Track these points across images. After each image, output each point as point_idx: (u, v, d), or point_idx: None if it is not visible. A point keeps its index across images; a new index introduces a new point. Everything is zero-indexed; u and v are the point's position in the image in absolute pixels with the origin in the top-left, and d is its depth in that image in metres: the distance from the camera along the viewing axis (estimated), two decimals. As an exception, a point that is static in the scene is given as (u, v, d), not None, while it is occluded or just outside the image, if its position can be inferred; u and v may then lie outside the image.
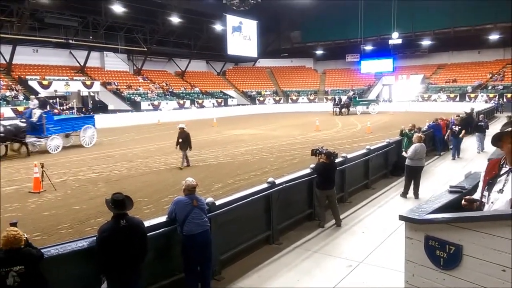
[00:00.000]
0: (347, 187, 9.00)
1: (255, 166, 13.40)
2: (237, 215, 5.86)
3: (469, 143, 15.91)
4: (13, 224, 3.46)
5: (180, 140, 13.53)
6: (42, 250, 3.68)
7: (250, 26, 46.76)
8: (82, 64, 37.80)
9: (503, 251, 2.45)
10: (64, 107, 34.06)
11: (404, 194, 9.22)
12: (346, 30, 45.18)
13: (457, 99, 41.01)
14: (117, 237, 3.83)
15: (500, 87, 39.85)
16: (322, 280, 5.26)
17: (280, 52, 54.92)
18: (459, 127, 14.09)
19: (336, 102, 37.96)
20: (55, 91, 33.99)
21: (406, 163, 9.30)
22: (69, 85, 34.62)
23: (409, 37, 44.06)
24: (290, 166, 12.90)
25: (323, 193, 7.34)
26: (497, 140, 2.90)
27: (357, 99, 40.23)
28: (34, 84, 32.52)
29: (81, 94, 37.69)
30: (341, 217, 7.52)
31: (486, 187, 2.94)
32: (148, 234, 4.26)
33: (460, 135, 14.00)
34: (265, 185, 6.55)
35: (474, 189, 3.57)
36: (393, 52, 44.41)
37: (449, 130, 14.58)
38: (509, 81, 40.32)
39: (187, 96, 43.57)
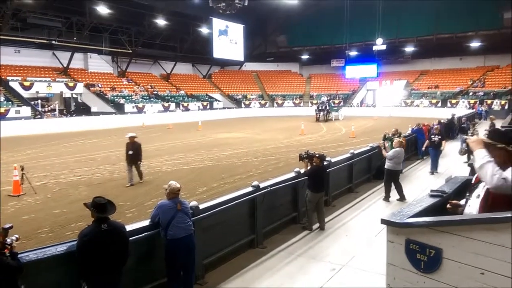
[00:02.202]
0: (331, 191, 9.06)
1: (240, 169, 13.38)
2: (221, 219, 5.83)
3: (450, 148, 16.13)
4: (7, 229, 3.30)
5: (131, 152, 11.23)
6: (21, 255, 3.57)
7: (237, 30, 46.85)
8: (65, 65, 37.24)
9: (482, 254, 2.50)
10: (46, 109, 33.55)
11: (387, 198, 9.34)
12: (332, 35, 45.75)
13: (439, 104, 41.81)
14: (98, 242, 3.76)
15: (481, 93, 40.78)
16: (305, 284, 5.27)
17: (266, 56, 55.17)
18: (439, 137, 12.49)
19: (322, 107, 37.22)
20: (37, 92, 33.45)
21: (385, 166, 9.46)
22: (51, 87, 34.08)
23: (393, 44, 44.82)
24: (275, 170, 12.92)
25: (316, 196, 7.36)
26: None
27: (332, 104, 40.23)
28: (15, 85, 31.91)
29: (64, 96, 37.13)
30: (326, 220, 7.56)
31: (468, 193, 3.02)
32: (131, 238, 4.20)
33: (441, 147, 12.45)
34: (249, 189, 6.54)
35: (454, 193, 3.64)
36: (377, 58, 45.07)
37: (427, 141, 13.09)
38: (490, 87, 41.31)
39: (172, 99, 43.32)
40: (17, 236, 3.40)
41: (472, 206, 2.86)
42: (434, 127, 13.23)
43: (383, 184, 10.54)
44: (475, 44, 42.32)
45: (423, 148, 13.59)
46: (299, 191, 7.71)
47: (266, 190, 6.68)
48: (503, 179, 2.55)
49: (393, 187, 9.41)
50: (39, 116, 30.93)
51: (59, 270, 3.91)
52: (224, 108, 47.10)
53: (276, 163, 14.52)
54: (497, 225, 2.43)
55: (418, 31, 43.57)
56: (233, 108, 47.76)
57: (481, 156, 2.72)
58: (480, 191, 2.84)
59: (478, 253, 2.51)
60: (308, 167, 7.53)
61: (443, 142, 12.59)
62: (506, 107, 35.77)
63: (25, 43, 33.87)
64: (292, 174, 7.74)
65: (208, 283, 5.31)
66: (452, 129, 19.79)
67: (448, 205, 3.03)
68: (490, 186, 2.66)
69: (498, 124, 15.40)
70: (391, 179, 9.36)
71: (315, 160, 7.46)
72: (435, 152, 12.40)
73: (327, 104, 37.73)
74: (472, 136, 13.61)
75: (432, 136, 12.58)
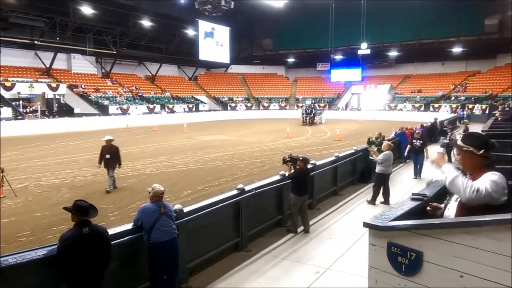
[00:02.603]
0: (316, 194, 9.11)
1: (225, 172, 13.35)
2: (206, 222, 5.81)
3: (433, 152, 16.32)
4: None
5: (108, 156, 10.69)
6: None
7: (223, 32, 46.82)
8: (47, 65, 36.62)
9: (461, 257, 2.54)
10: (28, 110, 32.92)
11: (373, 201, 9.38)
12: (317, 39, 46.14)
13: (422, 108, 42.52)
14: (80, 245, 3.70)
15: (462, 98, 41.63)
16: (290, 287, 5.28)
17: (252, 59, 55.26)
18: (421, 142, 12.31)
19: (309, 111, 36.71)
20: (19, 93, 32.82)
21: (376, 170, 9.55)
22: (33, 87, 33.44)
23: (377, 48, 45.39)
24: (261, 173, 12.93)
25: (300, 199, 7.37)
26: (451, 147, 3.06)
27: (317, 108, 40.12)
28: (-4, 85, 31.23)
29: (46, 97, 36.51)
30: (310, 223, 7.59)
31: (448, 195, 3.07)
32: (113, 242, 4.15)
33: (425, 156, 12.28)
34: (234, 192, 6.53)
35: (435, 196, 3.70)
36: (361, 62, 45.55)
37: (409, 146, 12.92)
38: (471, 92, 42.22)
39: (157, 100, 43.01)
40: None
41: (451, 209, 2.92)
42: (416, 132, 13.01)
43: (367, 187, 10.68)
44: (457, 50, 43.21)
45: (405, 153, 13.58)
46: (284, 194, 7.73)
47: (251, 193, 6.68)
48: (476, 191, 2.59)
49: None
50: (20, 117, 30.32)
51: (39, 274, 3.83)
52: (210, 110, 46.98)
53: (261, 166, 14.54)
54: (475, 228, 2.48)
55: (402, 36, 44.31)
56: (219, 110, 47.69)
57: (449, 171, 2.76)
58: None
59: (457, 256, 2.55)
60: (292, 171, 7.55)
61: (426, 148, 12.45)
62: (487, 111, 36.58)
63: (6, 43, 33.14)
64: (277, 177, 7.75)
65: (192, 287, 5.28)
66: (434, 133, 20.14)
67: (428, 207, 3.07)
68: (464, 200, 2.68)
69: (475, 128, 15.72)
70: (382, 182, 9.43)
71: (299, 163, 7.49)
72: (416, 157, 12.29)
73: (313, 107, 37.63)
74: (451, 140, 13.86)
75: (414, 141, 12.41)
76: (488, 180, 2.63)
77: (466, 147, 2.83)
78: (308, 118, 36.53)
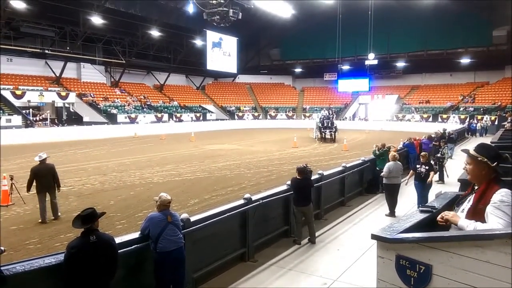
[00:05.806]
0: (323, 204, 9.06)
1: (232, 181, 13.34)
2: (212, 232, 5.79)
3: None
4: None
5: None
6: (7, 267, 3.52)
7: (230, 42, 47.20)
8: (57, 74, 37.09)
9: (470, 271, 2.50)
10: (37, 118, 33.30)
11: (391, 213, 9.15)
12: (324, 49, 46.33)
13: (430, 119, 42.30)
14: (87, 254, 3.71)
15: (471, 109, 41.36)
16: (296, 298, 5.23)
17: (260, 68, 55.56)
18: (427, 168, 9.33)
19: (328, 123, 29.30)
20: (29, 101, 33.26)
21: (383, 181, 9.47)
22: (43, 96, 33.87)
23: (385, 59, 45.42)
24: (268, 182, 12.90)
25: (299, 210, 7.33)
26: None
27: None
28: (6, 93, 31.64)
29: (56, 105, 36.94)
30: (317, 234, 7.52)
31: (455, 206, 3.03)
32: (120, 251, 4.15)
33: (428, 180, 9.29)
34: (241, 201, 6.51)
35: (443, 209, 3.66)
36: (369, 72, 45.55)
37: (411, 171, 9.90)
38: (480, 103, 41.94)
39: (165, 109, 43.29)
40: (2, 248, 3.35)
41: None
42: (421, 154, 10.12)
43: (375, 198, 10.61)
44: (465, 61, 43.07)
45: (407, 180, 10.42)
46: (291, 204, 7.69)
47: (258, 203, 6.66)
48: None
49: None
50: (30, 125, 30.68)
51: (46, 282, 3.84)
52: (217, 119, 47.17)
53: (268, 175, 14.51)
54: (484, 241, 2.45)
55: (409, 47, 44.32)
56: (226, 119, 47.86)
57: (466, 226, 2.75)
58: (465, 206, 2.87)
59: (467, 269, 2.52)
60: None
61: (431, 173, 9.46)
62: (496, 122, 36.28)
63: (17, 52, 33.76)
64: (284, 187, 7.72)
65: (198, 297, 5.25)
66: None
67: (438, 218, 3.00)
68: None
69: (484, 140, 15.45)
70: (391, 193, 9.33)
71: (298, 174, 7.44)
72: (421, 186, 9.35)
73: (333, 118, 30.61)
74: (442, 154, 13.59)
75: (418, 166, 9.49)
76: (499, 215, 2.61)
77: (481, 157, 2.81)
78: (329, 133, 29.11)
